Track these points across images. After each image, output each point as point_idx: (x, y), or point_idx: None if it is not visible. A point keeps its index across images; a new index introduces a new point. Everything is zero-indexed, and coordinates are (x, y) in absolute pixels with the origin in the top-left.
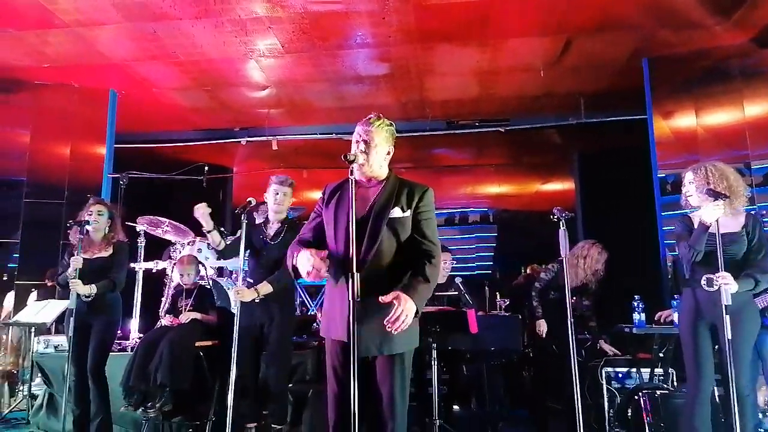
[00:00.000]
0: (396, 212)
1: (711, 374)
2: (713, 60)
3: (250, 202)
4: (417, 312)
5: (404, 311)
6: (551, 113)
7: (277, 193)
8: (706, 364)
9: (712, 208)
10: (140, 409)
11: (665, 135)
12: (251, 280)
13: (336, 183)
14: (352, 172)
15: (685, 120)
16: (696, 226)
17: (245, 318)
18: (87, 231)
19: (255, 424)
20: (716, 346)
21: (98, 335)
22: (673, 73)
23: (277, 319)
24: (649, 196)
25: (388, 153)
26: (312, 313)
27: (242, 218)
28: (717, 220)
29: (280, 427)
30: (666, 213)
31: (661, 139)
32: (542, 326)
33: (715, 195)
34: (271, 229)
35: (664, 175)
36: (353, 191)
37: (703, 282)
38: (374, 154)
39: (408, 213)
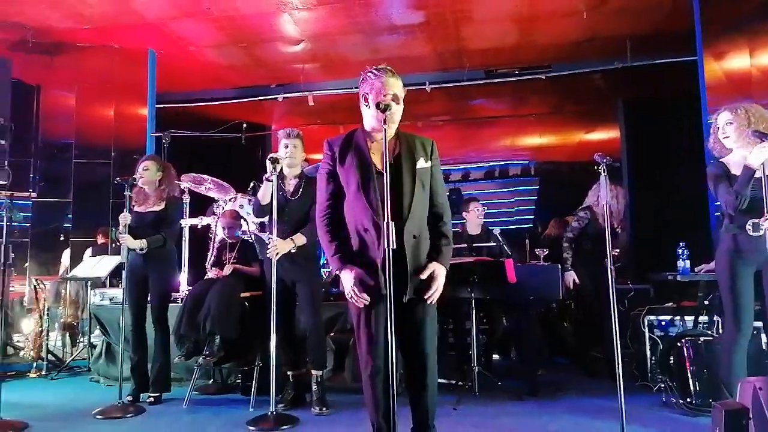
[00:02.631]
0: (421, 163)
1: (751, 318)
2: None
3: (276, 159)
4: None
5: (441, 284)
6: (595, 58)
7: (287, 146)
8: (747, 307)
9: (758, 151)
10: (192, 359)
11: (717, 77)
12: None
13: (339, 138)
14: (385, 121)
15: (738, 61)
16: (732, 171)
17: (276, 273)
18: (141, 187)
19: (296, 372)
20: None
21: (157, 285)
22: (726, 10)
23: (306, 273)
24: (698, 143)
25: None
26: None
27: (272, 170)
28: (763, 164)
29: (320, 372)
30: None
31: (712, 83)
32: (570, 278)
33: (762, 136)
34: (290, 185)
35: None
36: (387, 141)
37: (748, 227)
38: (401, 108)
39: (429, 164)
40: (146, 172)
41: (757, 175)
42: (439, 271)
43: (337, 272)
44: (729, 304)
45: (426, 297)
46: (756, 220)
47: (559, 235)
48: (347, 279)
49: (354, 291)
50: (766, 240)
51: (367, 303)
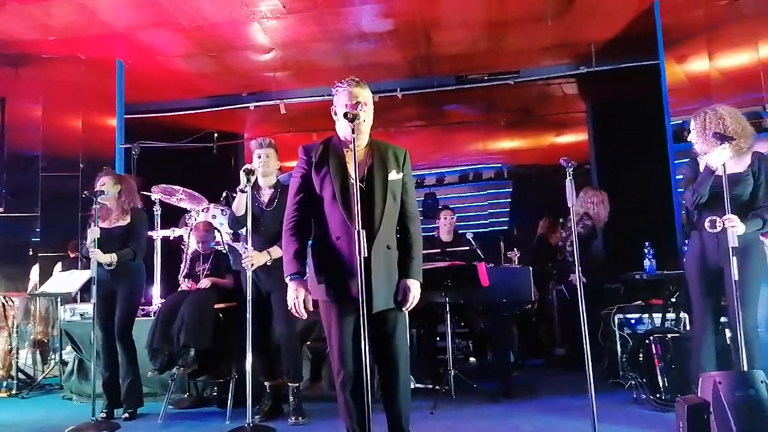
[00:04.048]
0: (393, 175)
1: (718, 314)
2: None
3: (250, 170)
4: None
5: (416, 295)
6: (562, 63)
7: (260, 156)
8: (713, 304)
9: (718, 152)
10: (166, 373)
11: (678, 80)
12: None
13: (315, 145)
14: (353, 130)
15: (698, 64)
16: (702, 170)
17: (252, 284)
18: (103, 202)
19: (273, 382)
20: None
21: (123, 301)
22: (686, 15)
23: (282, 284)
24: (663, 144)
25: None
26: None
27: (246, 182)
28: (724, 164)
29: (296, 384)
30: (678, 161)
31: (674, 85)
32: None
33: (721, 138)
34: (265, 195)
35: (681, 121)
36: (355, 149)
37: (706, 224)
38: (371, 116)
39: (400, 175)
40: (104, 187)
41: (719, 173)
42: (412, 285)
43: (287, 278)
44: (696, 302)
45: (403, 308)
46: (713, 217)
47: (549, 235)
48: (292, 290)
49: (295, 305)
50: (728, 238)
51: (304, 318)
